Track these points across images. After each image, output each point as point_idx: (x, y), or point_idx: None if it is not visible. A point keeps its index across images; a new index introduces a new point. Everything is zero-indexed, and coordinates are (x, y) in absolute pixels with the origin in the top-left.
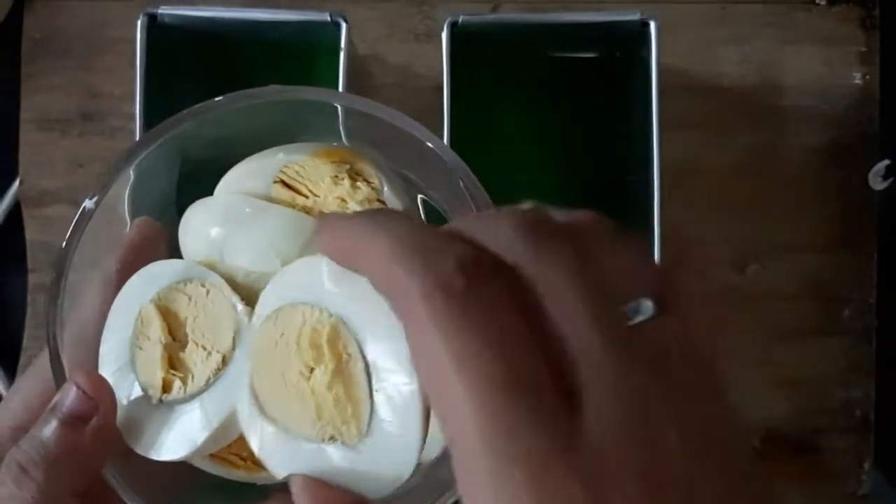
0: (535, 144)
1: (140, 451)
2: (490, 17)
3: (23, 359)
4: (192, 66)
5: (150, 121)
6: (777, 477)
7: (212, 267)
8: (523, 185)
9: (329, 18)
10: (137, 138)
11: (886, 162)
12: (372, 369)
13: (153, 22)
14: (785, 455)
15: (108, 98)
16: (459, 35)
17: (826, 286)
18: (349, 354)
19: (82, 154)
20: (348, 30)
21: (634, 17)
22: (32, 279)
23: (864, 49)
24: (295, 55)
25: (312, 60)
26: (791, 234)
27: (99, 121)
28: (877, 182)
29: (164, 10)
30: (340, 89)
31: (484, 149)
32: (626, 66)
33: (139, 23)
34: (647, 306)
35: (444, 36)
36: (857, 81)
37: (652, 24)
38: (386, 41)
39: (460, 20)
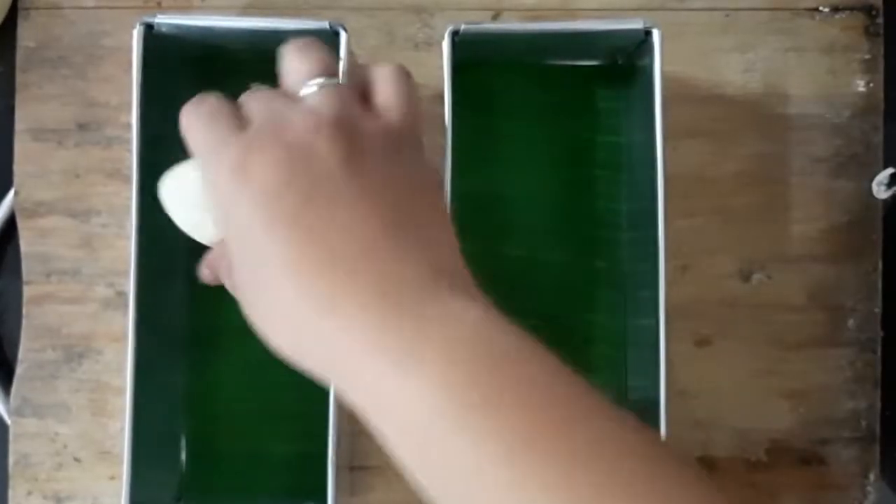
0: (536, 153)
1: None
2: (491, 25)
3: (18, 370)
4: (189, 76)
5: (146, 131)
6: (782, 488)
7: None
8: (522, 194)
9: (328, 27)
10: (135, 149)
11: (890, 170)
12: None
13: (150, 31)
14: (790, 466)
15: (104, 108)
16: (460, 44)
17: (831, 296)
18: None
19: (79, 165)
20: (348, 38)
21: (637, 25)
22: (27, 291)
23: (867, 57)
24: None
25: None
26: (796, 244)
27: (95, 131)
28: (881, 191)
29: (160, 19)
30: None
31: (485, 157)
32: (630, 74)
33: (136, 32)
34: (320, 81)
35: (445, 45)
36: (861, 89)
37: (655, 33)
38: (385, 50)
39: (461, 29)
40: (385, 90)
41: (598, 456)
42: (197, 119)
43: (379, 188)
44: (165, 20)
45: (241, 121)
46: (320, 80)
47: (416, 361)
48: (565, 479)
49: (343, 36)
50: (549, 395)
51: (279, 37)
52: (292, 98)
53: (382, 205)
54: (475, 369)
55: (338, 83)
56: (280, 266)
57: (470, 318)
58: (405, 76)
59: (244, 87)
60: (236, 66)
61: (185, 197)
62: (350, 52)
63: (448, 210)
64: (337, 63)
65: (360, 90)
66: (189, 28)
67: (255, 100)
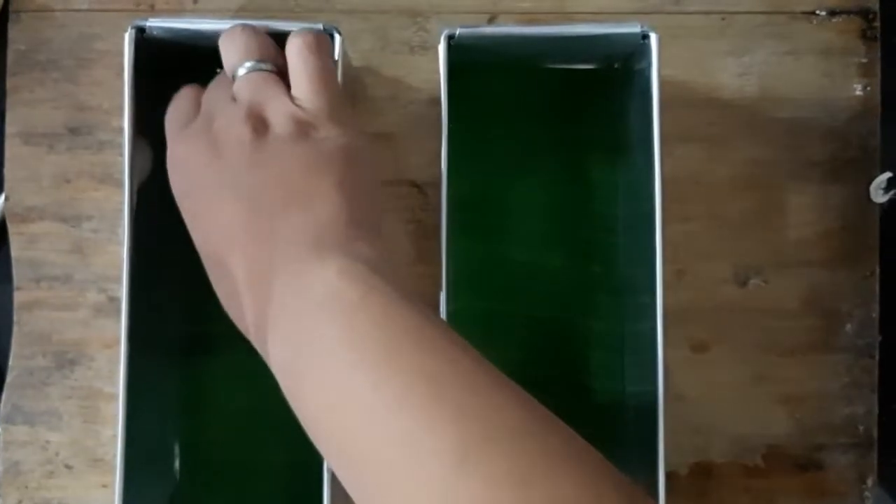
0: (532, 157)
1: None
2: (487, 29)
3: (9, 378)
4: (181, 80)
5: (138, 135)
6: (779, 494)
7: None
8: (518, 198)
9: (322, 30)
10: (126, 153)
11: (888, 175)
12: None
13: (141, 34)
14: (787, 472)
15: (96, 111)
16: (456, 47)
17: (828, 301)
18: None
19: (70, 169)
20: (342, 41)
21: (634, 29)
22: (18, 297)
23: (864, 60)
24: None
25: None
26: (792, 249)
27: (87, 135)
28: (878, 195)
29: (152, 23)
30: None
31: (481, 161)
32: (626, 78)
33: (127, 36)
34: (247, 66)
35: (441, 48)
36: (858, 93)
37: (652, 37)
38: (380, 53)
39: (457, 33)
40: (295, 68)
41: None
42: (168, 112)
43: (266, 175)
44: (157, 24)
45: (195, 112)
46: (247, 65)
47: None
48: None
49: (337, 39)
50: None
51: (274, 40)
52: (229, 86)
53: (257, 190)
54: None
55: (259, 68)
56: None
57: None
58: (314, 47)
59: None
60: None
61: None
62: (345, 55)
63: (361, 180)
64: (270, 46)
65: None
66: (181, 31)
67: (208, 90)
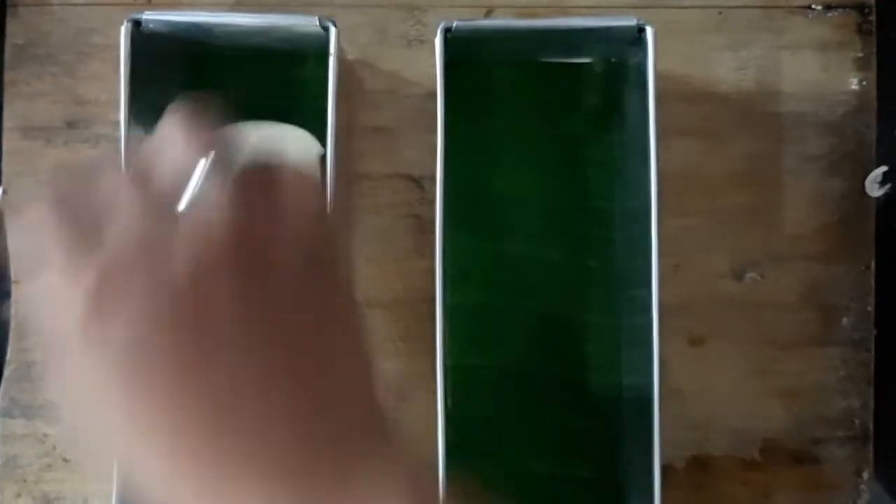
0: (529, 151)
1: None
2: (484, 22)
3: (7, 372)
4: (178, 73)
5: (135, 128)
6: (776, 487)
7: None
8: (516, 192)
9: (318, 23)
10: (123, 146)
11: (884, 168)
12: None
13: (137, 28)
14: (784, 465)
15: (93, 105)
16: (453, 41)
17: (824, 295)
18: None
19: (67, 163)
20: (338, 34)
21: (631, 22)
22: (16, 291)
23: (860, 55)
24: (284, 60)
25: (302, 65)
26: (789, 242)
27: (84, 128)
28: (874, 189)
29: (148, 16)
30: (330, 95)
31: (477, 155)
32: (623, 72)
33: (123, 29)
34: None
35: (438, 42)
36: (854, 87)
37: (648, 30)
38: (377, 47)
39: (454, 26)
40: (291, 188)
41: None
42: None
43: (258, 339)
44: (153, 17)
45: (99, 218)
46: (202, 180)
47: None
48: None
49: (333, 32)
50: None
51: (269, 33)
52: (172, 201)
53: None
54: None
55: (222, 180)
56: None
57: None
58: (300, 180)
59: (234, 84)
60: (225, 62)
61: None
62: (340, 49)
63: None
64: (228, 133)
65: (259, 176)
66: (177, 24)
67: (125, 189)
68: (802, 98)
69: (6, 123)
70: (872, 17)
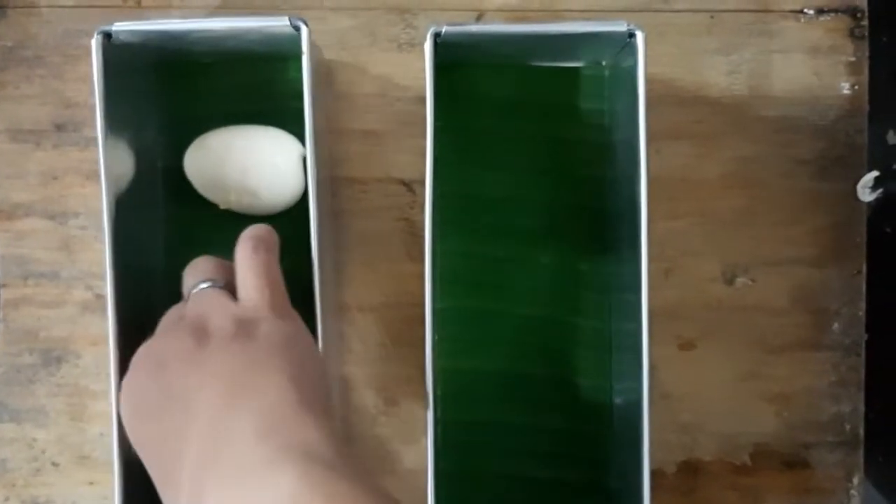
0: (519, 155)
1: None
2: (474, 26)
3: None
4: (154, 81)
5: (113, 136)
6: (766, 492)
7: None
8: (506, 196)
9: (288, 23)
10: (101, 156)
11: (875, 173)
12: None
13: (108, 40)
14: (774, 470)
15: (82, 108)
16: (443, 45)
17: (815, 299)
18: None
19: (56, 166)
20: (309, 34)
21: (621, 27)
22: (4, 294)
23: (852, 59)
24: (262, 63)
25: (280, 68)
26: (780, 247)
27: (73, 131)
28: (865, 193)
29: (118, 27)
30: (306, 94)
31: (467, 159)
32: (614, 75)
33: (94, 42)
34: (198, 287)
35: (428, 46)
36: (846, 92)
37: (639, 35)
38: (368, 50)
39: (444, 30)
40: (241, 266)
41: None
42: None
43: (202, 377)
44: (124, 27)
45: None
46: (200, 286)
47: None
48: None
49: (304, 31)
50: None
51: (242, 36)
52: (182, 307)
53: (194, 391)
54: None
55: (209, 286)
56: None
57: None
58: (259, 246)
59: (210, 90)
60: (203, 67)
61: (205, 165)
62: (314, 47)
63: (288, 373)
64: (226, 268)
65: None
66: (149, 33)
67: (163, 318)
68: (794, 102)
69: None
70: (864, 22)
